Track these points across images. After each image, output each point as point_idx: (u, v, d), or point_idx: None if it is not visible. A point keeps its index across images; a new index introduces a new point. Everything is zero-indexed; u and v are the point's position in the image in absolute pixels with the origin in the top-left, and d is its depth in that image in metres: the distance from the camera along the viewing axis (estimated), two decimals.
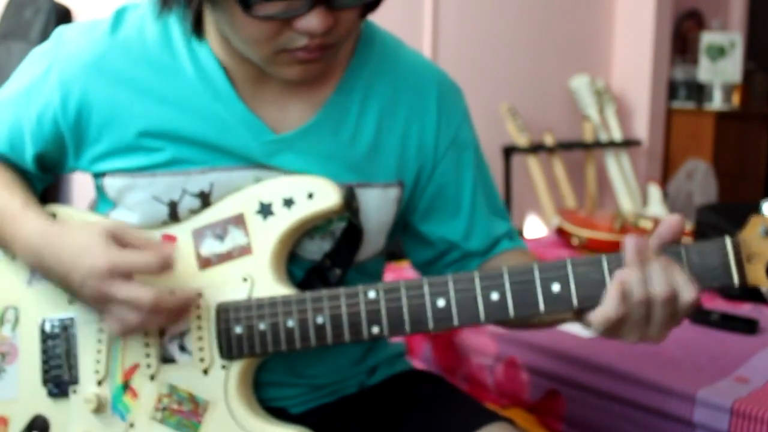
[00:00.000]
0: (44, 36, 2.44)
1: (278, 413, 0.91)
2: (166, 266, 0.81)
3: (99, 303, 0.82)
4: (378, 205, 0.92)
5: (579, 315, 0.80)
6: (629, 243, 0.75)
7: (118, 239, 0.82)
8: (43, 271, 0.87)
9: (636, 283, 0.74)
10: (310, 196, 0.87)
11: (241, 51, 0.83)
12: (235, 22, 0.78)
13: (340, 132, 0.90)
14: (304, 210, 0.86)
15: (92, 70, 0.88)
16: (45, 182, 1.01)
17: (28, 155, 0.94)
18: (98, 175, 0.92)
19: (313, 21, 0.75)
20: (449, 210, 0.98)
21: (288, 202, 0.87)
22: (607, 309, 0.75)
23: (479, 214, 0.99)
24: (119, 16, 0.91)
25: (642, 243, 0.75)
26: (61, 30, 0.93)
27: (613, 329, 0.76)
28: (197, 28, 0.87)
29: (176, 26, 0.89)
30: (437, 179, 0.96)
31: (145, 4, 0.90)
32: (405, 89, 0.94)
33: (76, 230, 0.84)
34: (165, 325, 0.86)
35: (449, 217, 0.98)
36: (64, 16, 2.50)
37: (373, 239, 0.94)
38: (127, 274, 0.80)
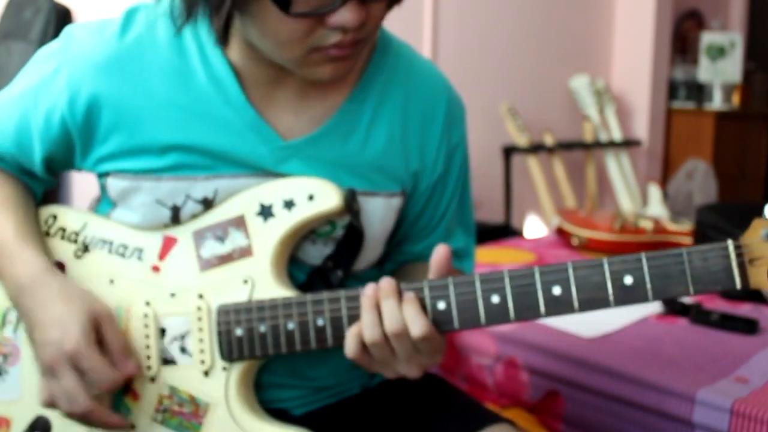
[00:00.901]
0: (44, 36, 2.44)
1: (280, 415, 0.92)
2: (117, 386, 0.84)
3: (47, 371, 0.83)
4: (382, 215, 0.92)
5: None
6: (365, 290, 0.79)
7: (98, 330, 0.83)
8: (17, 308, 0.87)
9: (368, 326, 0.78)
10: (311, 197, 0.86)
11: (269, 55, 0.82)
12: (268, 25, 0.77)
13: (350, 140, 0.90)
14: (305, 212, 0.86)
15: (101, 72, 0.87)
16: (48, 185, 0.99)
17: (36, 157, 0.92)
18: (102, 175, 0.91)
19: (346, 15, 0.75)
20: (424, 219, 0.99)
21: (288, 204, 0.87)
22: (347, 352, 0.80)
23: (441, 227, 1.00)
24: (130, 17, 0.89)
25: (373, 289, 0.79)
26: (71, 29, 0.91)
27: (365, 367, 0.81)
28: (224, 36, 0.86)
29: (188, 29, 0.87)
30: (428, 190, 0.97)
31: (157, 5, 0.89)
32: (416, 100, 0.93)
33: (60, 299, 0.84)
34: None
35: (417, 222, 0.99)
36: (64, 16, 2.49)
37: (373, 247, 0.94)
38: (81, 370, 0.81)
